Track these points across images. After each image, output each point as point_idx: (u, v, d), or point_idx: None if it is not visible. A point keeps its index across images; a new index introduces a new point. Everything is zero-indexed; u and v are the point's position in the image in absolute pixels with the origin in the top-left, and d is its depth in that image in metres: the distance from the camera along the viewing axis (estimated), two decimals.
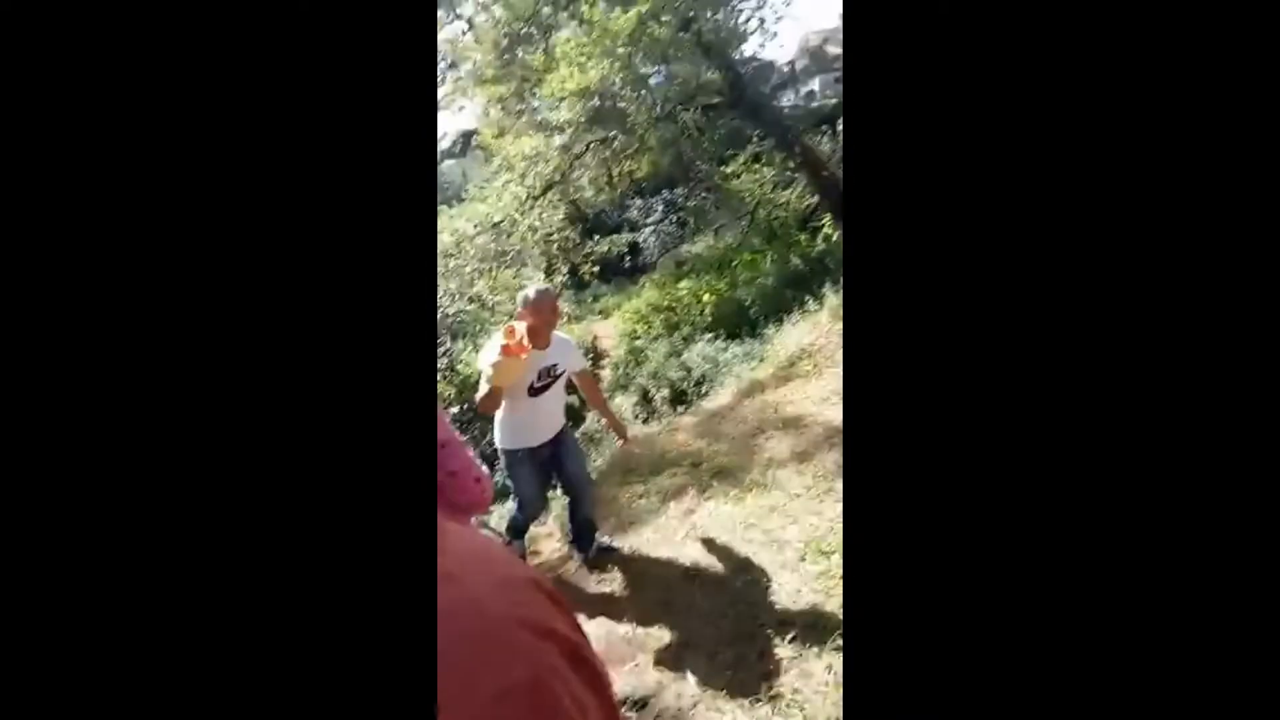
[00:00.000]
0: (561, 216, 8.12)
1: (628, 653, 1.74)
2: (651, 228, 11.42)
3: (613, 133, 7.78)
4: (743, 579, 1.93)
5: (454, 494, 1.22)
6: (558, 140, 7.65)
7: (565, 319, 8.76)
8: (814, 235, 7.58)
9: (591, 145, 8.00)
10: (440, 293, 5.97)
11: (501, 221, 7.59)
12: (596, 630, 1.87)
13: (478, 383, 2.04)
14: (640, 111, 7.13)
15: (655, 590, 2.02)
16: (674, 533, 2.38)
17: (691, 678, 1.58)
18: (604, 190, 9.03)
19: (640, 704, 1.54)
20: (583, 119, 7.25)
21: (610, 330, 8.50)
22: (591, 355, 7.91)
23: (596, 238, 8.29)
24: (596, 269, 8.09)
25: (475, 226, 7.53)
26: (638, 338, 7.55)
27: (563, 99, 7.03)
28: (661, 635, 1.78)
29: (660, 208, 11.36)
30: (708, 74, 7.62)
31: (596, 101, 7.15)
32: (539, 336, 2.06)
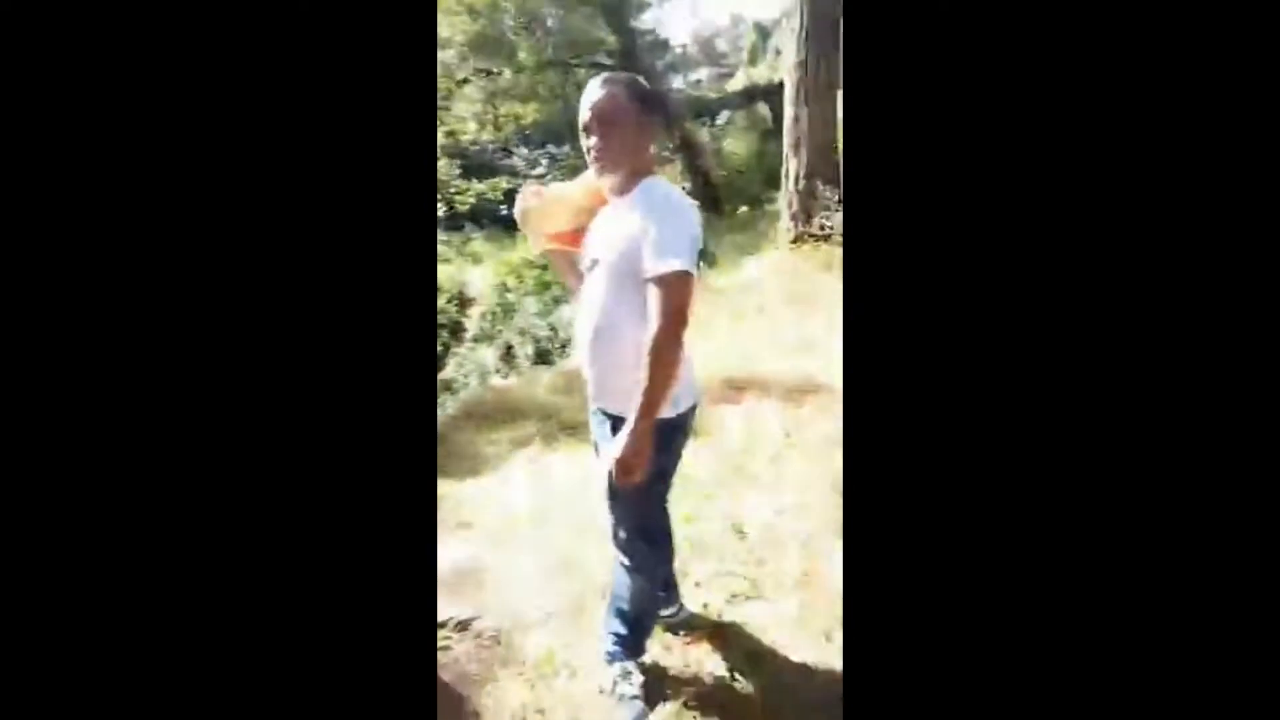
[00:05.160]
0: (440, 145, 7.67)
1: (456, 583, 1.87)
2: (533, 179, 11.13)
3: (499, 69, 7.39)
4: (572, 521, 2.12)
5: None
6: (439, 55, 7.14)
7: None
8: None
9: (475, 74, 7.55)
10: None
11: None
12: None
13: None
14: (529, 51, 6.84)
15: (493, 527, 2.16)
16: (516, 478, 2.52)
17: (514, 602, 1.75)
18: (486, 128, 8.61)
19: (464, 625, 1.68)
20: (462, 39, 6.80)
21: (480, 278, 8.28)
22: (458, 303, 7.68)
23: (474, 180, 7.97)
24: (469, 204, 7.81)
25: None
26: (509, 290, 7.45)
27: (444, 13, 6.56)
28: (497, 567, 1.93)
29: (545, 162, 11.10)
30: (602, 33, 7.52)
31: (483, 25, 6.73)
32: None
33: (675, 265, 1.05)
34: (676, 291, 1.06)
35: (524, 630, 1.64)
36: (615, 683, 1.38)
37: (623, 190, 1.19)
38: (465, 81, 7.47)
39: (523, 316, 6.58)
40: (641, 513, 1.30)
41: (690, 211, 1.14)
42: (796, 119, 4.83)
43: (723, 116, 9.91)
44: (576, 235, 1.31)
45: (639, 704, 1.35)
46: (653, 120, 1.21)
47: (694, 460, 2.28)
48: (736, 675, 1.44)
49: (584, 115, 1.17)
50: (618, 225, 1.16)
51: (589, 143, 1.18)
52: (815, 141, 4.77)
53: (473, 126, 8.64)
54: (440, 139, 7.60)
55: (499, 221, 10.15)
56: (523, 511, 2.22)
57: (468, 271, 8.58)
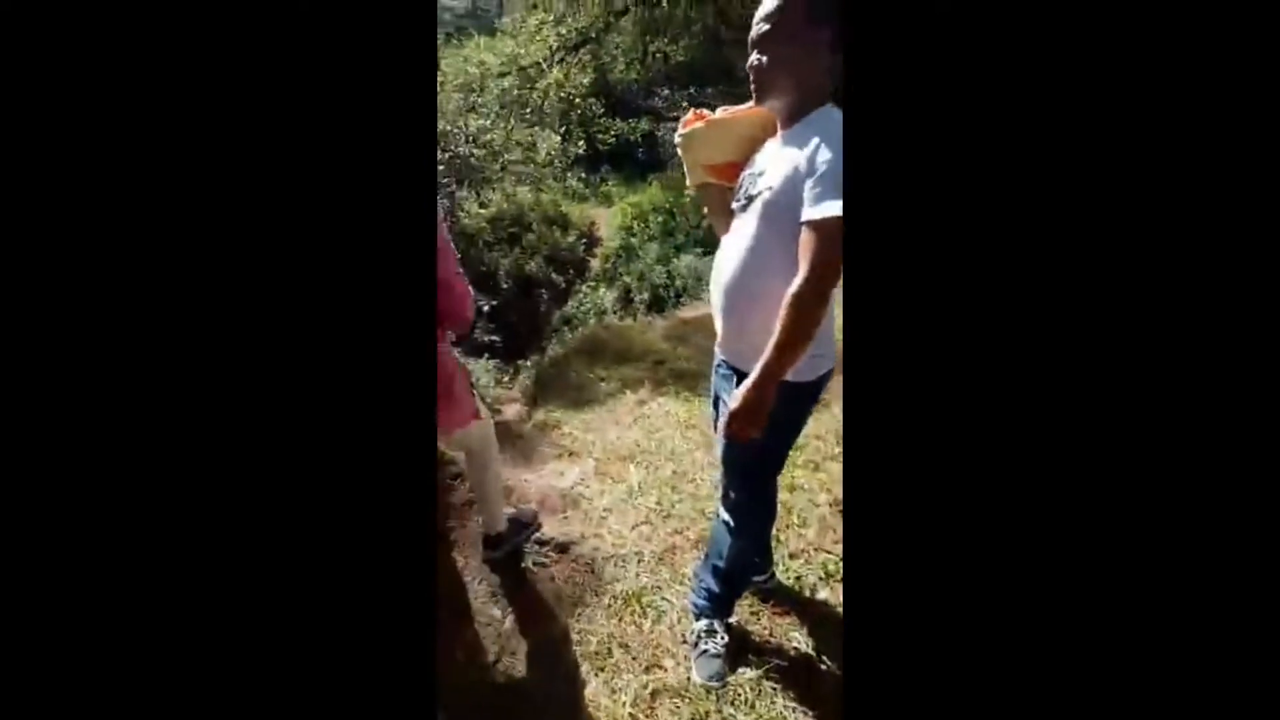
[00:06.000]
0: (589, 82, 7.66)
1: (560, 505, 1.95)
2: (673, 124, 10.92)
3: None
4: (672, 468, 2.13)
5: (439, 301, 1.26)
6: None
7: (569, 196, 8.48)
8: None
9: (633, 6, 7.39)
10: (451, 127, 5.38)
11: (528, 67, 7.09)
12: (540, 482, 2.07)
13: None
14: None
15: (597, 459, 2.22)
16: (624, 417, 2.56)
17: (609, 535, 1.79)
18: (634, 67, 8.48)
19: (563, 548, 1.75)
20: None
21: (608, 219, 8.36)
22: (585, 241, 7.83)
23: (616, 119, 7.94)
24: (610, 144, 7.82)
25: (501, 64, 7.04)
26: (633, 234, 7.46)
27: None
28: (596, 499, 1.99)
29: (686, 105, 10.78)
30: None
31: None
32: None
33: (837, 210, 0.90)
34: (834, 240, 0.91)
35: (615, 564, 1.68)
36: (700, 637, 1.38)
37: (792, 119, 1.04)
38: (624, 12, 7.33)
39: (643, 262, 6.59)
40: (756, 478, 1.24)
41: None
42: None
43: None
44: (736, 168, 1.17)
45: (720, 663, 1.34)
46: (821, 33, 1.00)
47: (806, 429, 2.19)
48: (823, 657, 1.40)
49: (754, 30, 1.03)
50: (780, 159, 1.02)
51: (751, 59, 1.04)
52: None
53: (621, 64, 8.54)
54: (590, 75, 7.58)
55: (633, 164, 10.10)
56: (626, 450, 2.26)
57: (599, 212, 8.68)
